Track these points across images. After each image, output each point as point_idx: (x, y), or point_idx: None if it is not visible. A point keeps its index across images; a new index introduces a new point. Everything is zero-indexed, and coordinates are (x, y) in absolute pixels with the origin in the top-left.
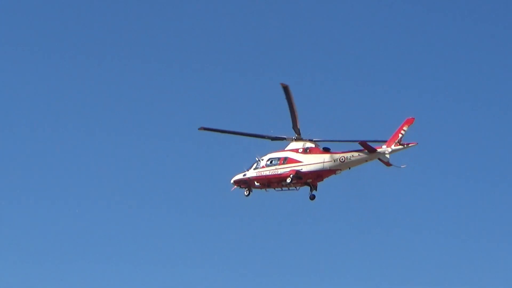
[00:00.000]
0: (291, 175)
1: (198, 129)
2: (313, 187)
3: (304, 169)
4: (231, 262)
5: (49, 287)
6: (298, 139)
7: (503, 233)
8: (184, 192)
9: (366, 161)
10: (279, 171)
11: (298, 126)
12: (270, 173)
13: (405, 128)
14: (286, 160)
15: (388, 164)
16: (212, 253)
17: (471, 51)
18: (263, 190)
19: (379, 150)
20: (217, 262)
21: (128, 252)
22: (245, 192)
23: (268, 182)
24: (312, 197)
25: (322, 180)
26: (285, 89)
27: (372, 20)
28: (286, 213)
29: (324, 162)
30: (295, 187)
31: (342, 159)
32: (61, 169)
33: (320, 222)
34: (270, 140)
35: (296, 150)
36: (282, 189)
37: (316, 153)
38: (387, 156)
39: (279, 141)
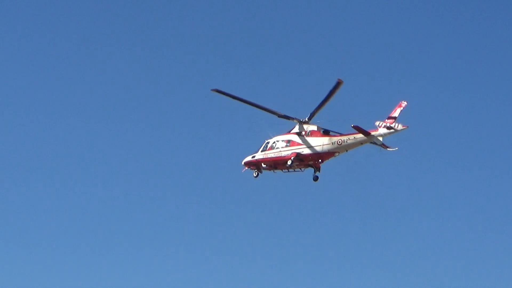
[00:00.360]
0: (292, 158)
1: (211, 90)
2: (316, 169)
3: (305, 151)
4: (232, 248)
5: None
6: (305, 122)
7: (495, 219)
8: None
9: (362, 143)
10: (283, 154)
11: (316, 112)
12: (274, 155)
13: (397, 111)
14: (289, 143)
15: (384, 146)
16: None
17: (460, 38)
18: (272, 171)
19: (372, 133)
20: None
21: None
22: (254, 174)
23: (274, 163)
24: (316, 178)
25: (323, 162)
26: (339, 84)
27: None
28: (290, 194)
29: (323, 145)
30: (300, 169)
31: (339, 142)
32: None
33: (322, 203)
34: (277, 117)
35: (299, 133)
36: (288, 171)
37: (316, 136)
38: (380, 139)
39: (286, 119)
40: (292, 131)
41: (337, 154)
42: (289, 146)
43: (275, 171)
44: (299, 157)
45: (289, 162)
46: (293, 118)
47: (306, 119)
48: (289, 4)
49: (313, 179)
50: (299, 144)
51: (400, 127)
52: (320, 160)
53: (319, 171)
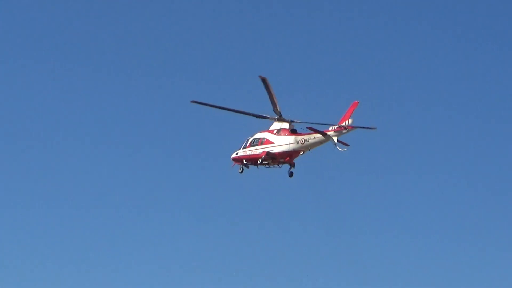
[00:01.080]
0: (263, 156)
1: (190, 101)
2: (291, 165)
3: (274, 150)
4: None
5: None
6: (280, 119)
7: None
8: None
9: (321, 143)
10: (257, 151)
11: (278, 109)
12: (252, 153)
13: (350, 111)
14: (264, 141)
15: (345, 144)
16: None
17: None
18: (256, 167)
19: (328, 133)
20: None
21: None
22: (239, 169)
23: (251, 160)
24: (290, 174)
25: (293, 159)
26: (264, 81)
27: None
28: (263, 188)
29: (289, 143)
30: (278, 165)
31: (302, 141)
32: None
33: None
34: (255, 118)
35: (272, 131)
36: (269, 167)
37: (284, 134)
38: (334, 139)
39: (264, 119)
40: (270, 128)
41: (302, 152)
42: (263, 144)
43: (258, 166)
44: (269, 156)
45: (259, 161)
46: (268, 117)
47: (280, 117)
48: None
49: (288, 175)
50: (270, 142)
51: (350, 122)
52: (290, 158)
53: (293, 167)
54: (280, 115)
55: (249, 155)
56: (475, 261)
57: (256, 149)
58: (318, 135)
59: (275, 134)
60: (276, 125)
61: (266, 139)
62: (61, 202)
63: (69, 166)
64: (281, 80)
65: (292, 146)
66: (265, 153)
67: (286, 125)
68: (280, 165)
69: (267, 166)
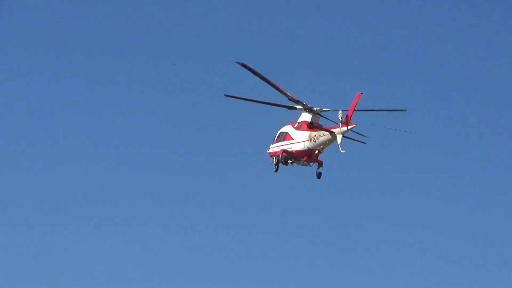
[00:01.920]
0: (280, 155)
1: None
2: (318, 164)
3: (293, 148)
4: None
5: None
6: (307, 108)
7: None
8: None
9: (331, 141)
10: (278, 149)
11: (291, 96)
12: (277, 149)
13: (355, 104)
14: (286, 136)
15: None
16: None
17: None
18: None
19: (333, 130)
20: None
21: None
22: (274, 168)
23: (277, 158)
24: (318, 175)
25: (313, 159)
26: (244, 66)
27: None
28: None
29: (304, 141)
30: (308, 164)
31: (314, 138)
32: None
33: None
34: (287, 109)
35: (294, 124)
36: (301, 165)
37: (302, 129)
38: (339, 137)
39: (294, 110)
40: (299, 120)
41: (316, 152)
42: (285, 139)
43: (287, 165)
44: (289, 154)
45: (275, 160)
46: (296, 108)
47: (306, 106)
48: None
49: (316, 176)
50: (291, 138)
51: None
52: (306, 158)
53: (321, 167)
54: (304, 104)
55: (274, 152)
56: (475, 261)
57: (280, 145)
58: (326, 132)
59: (296, 128)
60: (303, 116)
61: (288, 134)
62: (65, 202)
63: (69, 166)
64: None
65: (307, 144)
66: (282, 151)
67: (308, 117)
68: (310, 164)
69: (296, 164)
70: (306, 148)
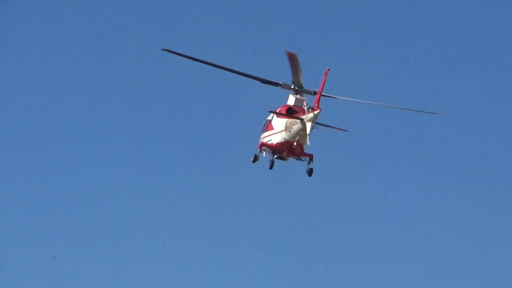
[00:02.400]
0: (259, 149)
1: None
2: (309, 159)
3: (273, 140)
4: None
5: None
6: (299, 91)
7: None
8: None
9: (304, 131)
10: (259, 141)
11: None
12: (263, 141)
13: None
14: (268, 126)
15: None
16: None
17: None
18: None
19: (302, 116)
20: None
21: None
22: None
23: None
24: (309, 172)
25: (296, 153)
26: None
27: None
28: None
29: (281, 131)
30: (298, 158)
31: (289, 128)
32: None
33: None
34: (259, 83)
35: (275, 111)
36: (292, 158)
37: (281, 116)
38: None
39: (272, 86)
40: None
41: (295, 144)
42: (267, 130)
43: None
44: (269, 148)
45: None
46: (280, 84)
47: (297, 87)
48: None
49: (307, 173)
50: (272, 128)
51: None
52: (287, 152)
53: (312, 161)
54: (301, 86)
55: (262, 143)
56: (475, 261)
57: (263, 136)
58: (298, 120)
59: (277, 114)
60: (291, 100)
61: (270, 123)
62: (65, 202)
63: (69, 166)
64: None
65: (283, 135)
66: (260, 144)
67: (291, 100)
68: (303, 159)
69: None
70: (283, 139)
